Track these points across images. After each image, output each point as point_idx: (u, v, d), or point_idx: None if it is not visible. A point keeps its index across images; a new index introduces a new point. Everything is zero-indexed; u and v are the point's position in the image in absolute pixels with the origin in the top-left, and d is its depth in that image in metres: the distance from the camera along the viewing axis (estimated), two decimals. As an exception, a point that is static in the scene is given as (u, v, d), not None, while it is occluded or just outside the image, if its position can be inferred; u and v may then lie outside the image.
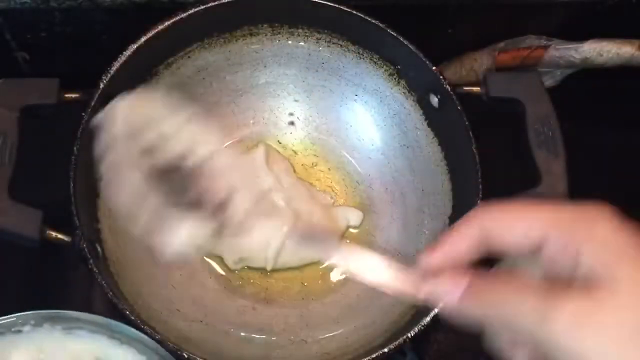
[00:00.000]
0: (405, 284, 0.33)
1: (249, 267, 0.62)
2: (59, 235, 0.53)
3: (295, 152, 0.67)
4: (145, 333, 0.50)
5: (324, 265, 0.63)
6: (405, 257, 0.63)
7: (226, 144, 0.65)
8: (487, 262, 0.34)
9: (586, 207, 0.31)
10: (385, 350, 0.52)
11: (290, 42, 0.64)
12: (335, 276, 0.63)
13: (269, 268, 0.62)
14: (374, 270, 0.34)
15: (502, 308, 0.30)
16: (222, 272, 0.62)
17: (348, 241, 0.64)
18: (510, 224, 0.32)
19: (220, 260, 0.62)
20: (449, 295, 0.32)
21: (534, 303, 0.29)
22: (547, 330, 0.29)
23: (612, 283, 0.29)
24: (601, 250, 0.30)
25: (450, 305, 0.32)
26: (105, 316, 0.49)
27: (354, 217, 0.65)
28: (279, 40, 0.64)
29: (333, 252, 0.35)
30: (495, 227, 0.32)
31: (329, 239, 0.37)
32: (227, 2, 0.58)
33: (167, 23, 0.57)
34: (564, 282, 0.30)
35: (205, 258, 0.62)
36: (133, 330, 0.49)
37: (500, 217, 0.33)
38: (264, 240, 0.61)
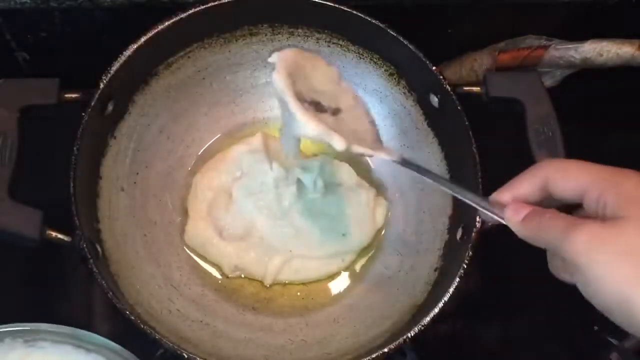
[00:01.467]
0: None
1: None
2: (59, 235, 0.53)
3: (295, 152, 0.67)
4: (145, 333, 0.50)
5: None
6: (405, 257, 0.63)
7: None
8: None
9: (622, 170, 0.40)
10: (385, 350, 0.52)
11: (290, 42, 0.64)
12: (335, 277, 0.63)
13: (266, 283, 0.62)
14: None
15: (543, 230, 0.41)
16: (221, 276, 0.62)
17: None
18: (566, 174, 0.41)
19: (219, 267, 0.62)
20: (513, 218, 0.42)
21: (562, 225, 0.39)
22: (568, 245, 0.38)
23: (622, 218, 0.38)
24: (621, 199, 0.39)
25: (514, 226, 0.42)
26: (78, 323, 0.48)
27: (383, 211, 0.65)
28: (279, 40, 0.64)
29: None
30: (555, 177, 0.42)
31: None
32: (227, 2, 0.58)
33: (167, 23, 0.57)
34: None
35: (203, 264, 0.62)
36: (98, 337, 0.47)
37: (560, 168, 0.42)
38: (262, 255, 0.61)
